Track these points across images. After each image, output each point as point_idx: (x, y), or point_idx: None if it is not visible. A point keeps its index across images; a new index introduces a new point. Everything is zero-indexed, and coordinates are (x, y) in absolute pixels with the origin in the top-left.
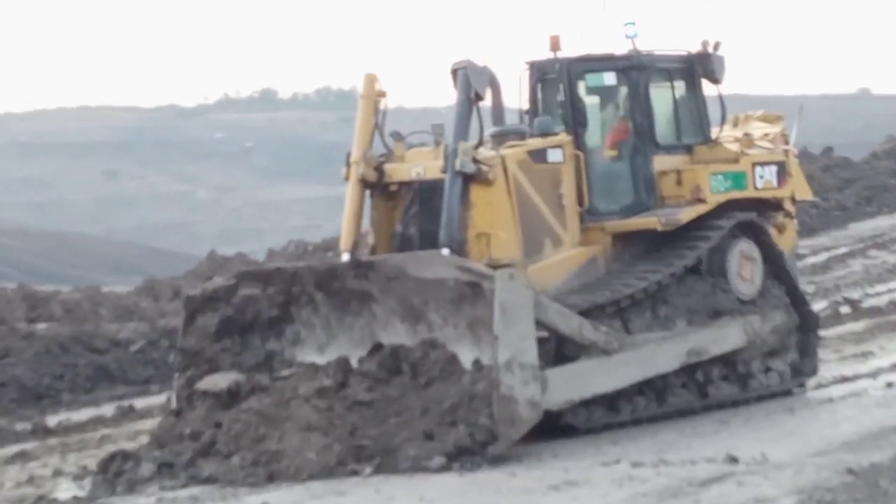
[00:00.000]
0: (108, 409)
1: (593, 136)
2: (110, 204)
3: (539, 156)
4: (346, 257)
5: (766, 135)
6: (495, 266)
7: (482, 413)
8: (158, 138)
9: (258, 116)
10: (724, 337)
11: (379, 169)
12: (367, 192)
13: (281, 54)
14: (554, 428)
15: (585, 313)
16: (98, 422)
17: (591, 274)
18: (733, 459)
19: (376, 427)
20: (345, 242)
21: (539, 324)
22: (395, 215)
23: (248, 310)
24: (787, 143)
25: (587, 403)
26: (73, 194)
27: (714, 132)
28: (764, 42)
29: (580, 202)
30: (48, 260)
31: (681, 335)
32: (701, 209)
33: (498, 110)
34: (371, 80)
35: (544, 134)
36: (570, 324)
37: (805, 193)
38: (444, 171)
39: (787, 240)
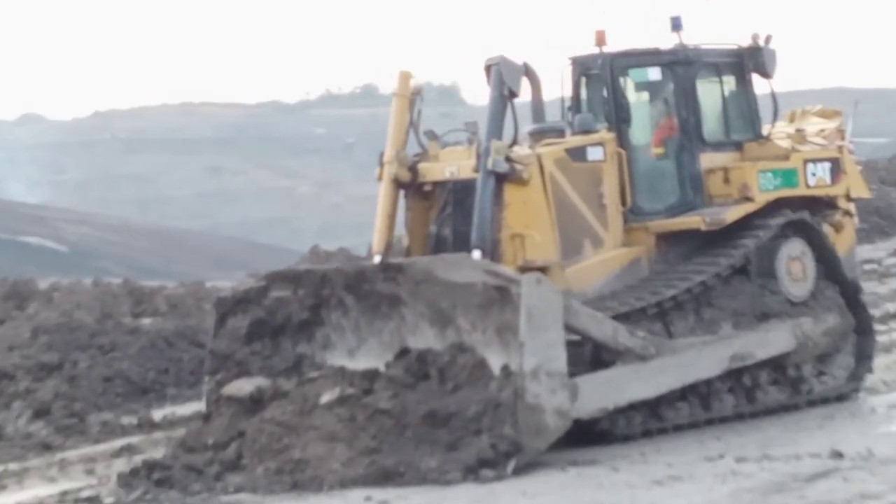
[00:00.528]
0: None
1: (637, 132)
2: (213, 199)
3: (578, 154)
4: (377, 260)
5: (822, 130)
6: (529, 268)
7: (506, 423)
8: (261, 134)
9: (360, 112)
10: (771, 340)
11: (413, 169)
12: (403, 193)
13: (382, 50)
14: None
15: (624, 317)
16: None
17: (634, 275)
18: (838, 455)
19: (398, 437)
20: (377, 245)
21: (570, 329)
22: (430, 216)
23: (279, 312)
24: (842, 138)
25: (625, 410)
26: (176, 190)
27: (766, 129)
28: (865, 34)
29: (623, 201)
30: (153, 256)
31: (724, 339)
32: (748, 208)
33: (537, 107)
34: (405, 77)
35: (585, 131)
36: (604, 329)
37: (861, 191)
38: (476, 171)
39: (844, 239)
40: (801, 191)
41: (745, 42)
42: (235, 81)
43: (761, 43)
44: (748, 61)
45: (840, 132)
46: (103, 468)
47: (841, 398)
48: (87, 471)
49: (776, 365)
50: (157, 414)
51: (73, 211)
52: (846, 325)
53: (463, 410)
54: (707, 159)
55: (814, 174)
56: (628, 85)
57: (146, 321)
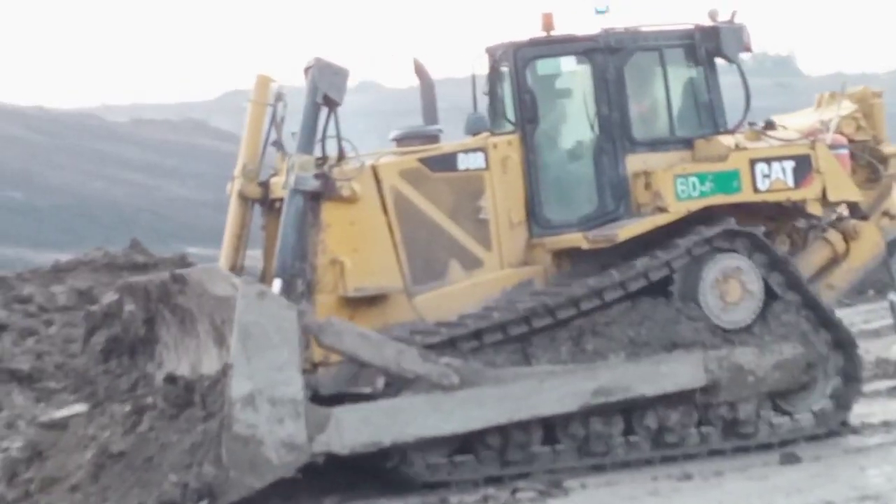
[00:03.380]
0: None
1: (548, 133)
2: None
3: (442, 163)
4: None
5: (824, 121)
6: (354, 298)
7: (209, 458)
8: None
9: None
10: (665, 374)
11: (265, 184)
12: (261, 211)
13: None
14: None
15: (448, 344)
16: None
17: None
18: None
19: (123, 477)
20: (223, 268)
21: (332, 351)
22: None
23: (132, 327)
24: (828, 129)
25: (439, 450)
26: None
27: (736, 121)
28: None
29: (524, 214)
30: None
31: (587, 370)
32: (657, 220)
33: (428, 109)
34: (263, 82)
35: (474, 133)
36: (383, 353)
37: (843, 192)
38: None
39: (863, 248)
40: (744, 196)
41: (702, 21)
42: None
43: (719, 21)
44: (702, 44)
45: (823, 123)
46: None
47: (813, 439)
48: None
49: (701, 404)
50: None
51: None
52: (811, 356)
53: (182, 444)
54: (638, 161)
55: (766, 176)
56: (534, 78)
57: None
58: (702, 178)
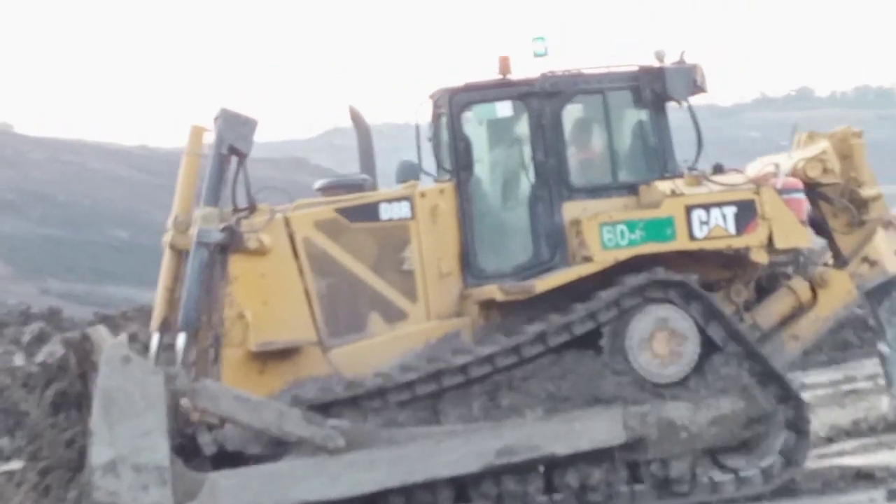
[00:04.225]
0: None
1: (483, 180)
2: None
3: (362, 213)
4: (155, 339)
5: (778, 164)
6: (266, 352)
7: None
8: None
9: (794, 115)
10: (578, 432)
11: None
12: None
13: (819, 52)
14: None
15: (348, 402)
16: None
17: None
18: None
19: None
20: (154, 320)
21: (209, 414)
22: None
23: (76, 381)
24: (775, 174)
25: None
26: None
27: (687, 165)
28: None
29: (458, 263)
30: None
31: (491, 428)
32: (581, 271)
33: (365, 157)
34: (197, 133)
35: (405, 182)
36: (261, 416)
37: (793, 239)
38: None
39: (833, 296)
40: (678, 244)
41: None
42: None
43: (665, 62)
44: (647, 86)
45: (777, 166)
46: None
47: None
48: None
49: (628, 462)
50: None
51: None
52: (753, 411)
53: None
54: (577, 209)
55: (704, 223)
56: (470, 124)
57: None
58: (631, 226)
